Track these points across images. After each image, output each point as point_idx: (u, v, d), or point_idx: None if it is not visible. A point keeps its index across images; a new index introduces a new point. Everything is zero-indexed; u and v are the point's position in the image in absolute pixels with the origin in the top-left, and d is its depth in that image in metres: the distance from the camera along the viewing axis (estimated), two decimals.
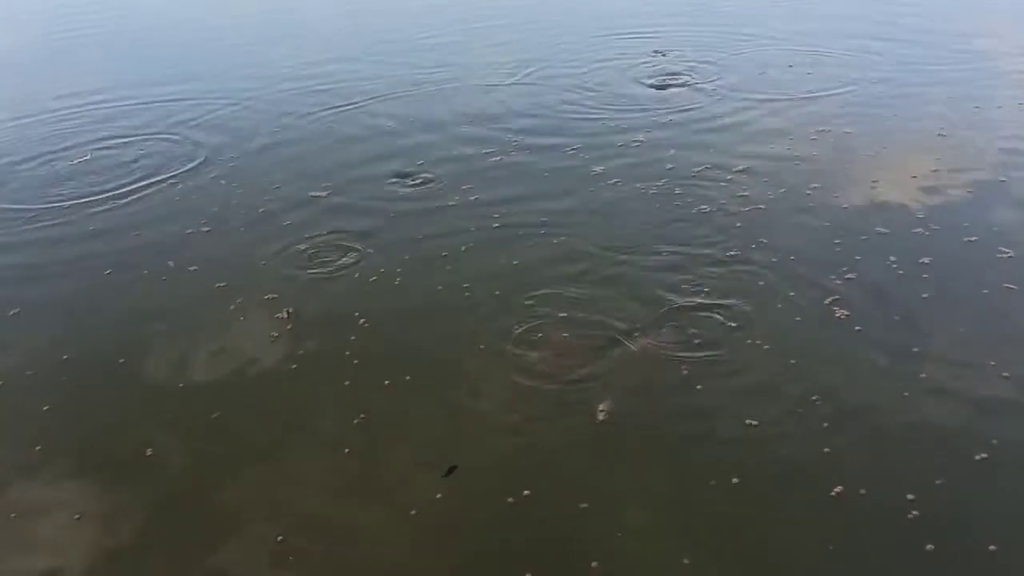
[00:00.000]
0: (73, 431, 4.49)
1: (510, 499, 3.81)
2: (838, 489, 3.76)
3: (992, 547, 3.47)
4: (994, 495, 3.74)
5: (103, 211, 6.81)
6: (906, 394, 4.31)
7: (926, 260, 5.39)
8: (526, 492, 3.84)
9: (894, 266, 5.35)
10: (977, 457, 3.89)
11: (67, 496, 4.05)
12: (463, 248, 5.89)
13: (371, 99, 9.07)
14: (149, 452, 4.26)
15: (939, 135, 7.31)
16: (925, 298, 5.02)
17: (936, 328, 4.77)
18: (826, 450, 3.99)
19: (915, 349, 4.60)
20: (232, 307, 5.37)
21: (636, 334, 4.82)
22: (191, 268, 5.88)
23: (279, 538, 3.72)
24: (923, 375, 4.42)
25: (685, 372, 4.53)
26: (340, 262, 5.82)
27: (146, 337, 5.16)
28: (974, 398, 4.24)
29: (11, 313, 5.51)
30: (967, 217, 5.91)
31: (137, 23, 14.24)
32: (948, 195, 6.24)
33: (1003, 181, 6.44)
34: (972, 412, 4.16)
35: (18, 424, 4.58)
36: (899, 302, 4.99)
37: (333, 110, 8.85)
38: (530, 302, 5.17)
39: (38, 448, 4.35)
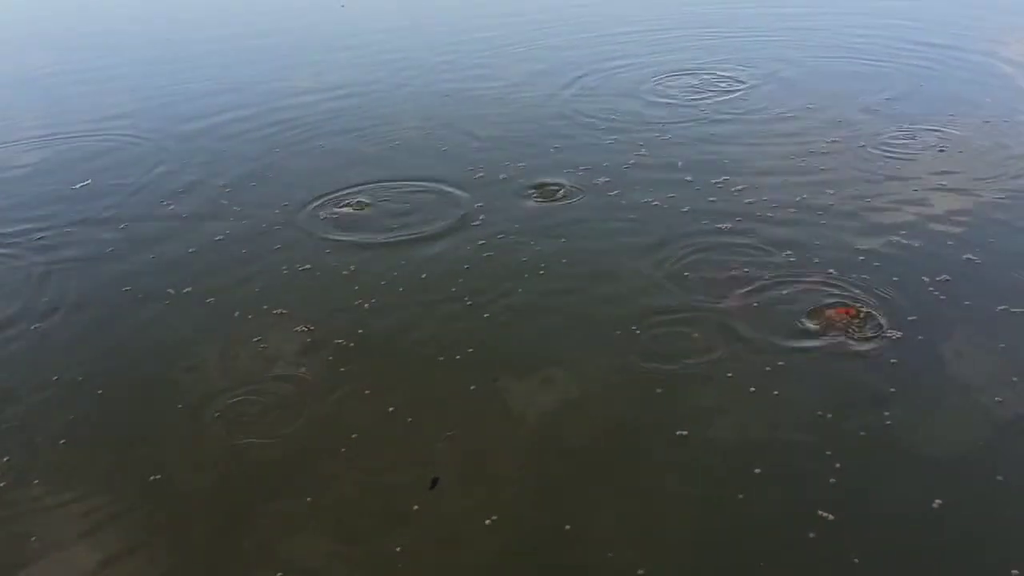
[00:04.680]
0: None
1: None
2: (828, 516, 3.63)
3: (1015, 571, 3.31)
4: (1009, 517, 3.60)
5: None
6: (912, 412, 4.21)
7: (944, 277, 5.27)
8: None
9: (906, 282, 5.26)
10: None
11: (83, 526, 3.98)
12: None
13: None
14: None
15: (940, 149, 7.23)
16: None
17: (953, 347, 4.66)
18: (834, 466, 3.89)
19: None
20: None
21: None
22: None
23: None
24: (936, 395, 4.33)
25: None
26: None
27: None
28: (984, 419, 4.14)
29: None
30: (972, 237, 5.79)
31: None
32: (950, 211, 6.15)
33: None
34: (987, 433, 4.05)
35: None
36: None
37: None
38: None
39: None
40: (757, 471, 3.92)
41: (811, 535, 3.55)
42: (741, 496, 3.79)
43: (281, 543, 3.78)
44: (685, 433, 4.19)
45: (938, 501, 3.66)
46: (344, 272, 5.94)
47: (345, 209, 6.86)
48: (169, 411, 4.67)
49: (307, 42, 13.28)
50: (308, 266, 6.04)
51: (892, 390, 4.35)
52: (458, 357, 4.89)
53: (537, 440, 4.26)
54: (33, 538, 3.91)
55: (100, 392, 4.90)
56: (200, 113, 9.66)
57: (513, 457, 4.16)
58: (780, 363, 4.61)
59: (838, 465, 3.91)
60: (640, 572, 3.45)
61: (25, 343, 5.44)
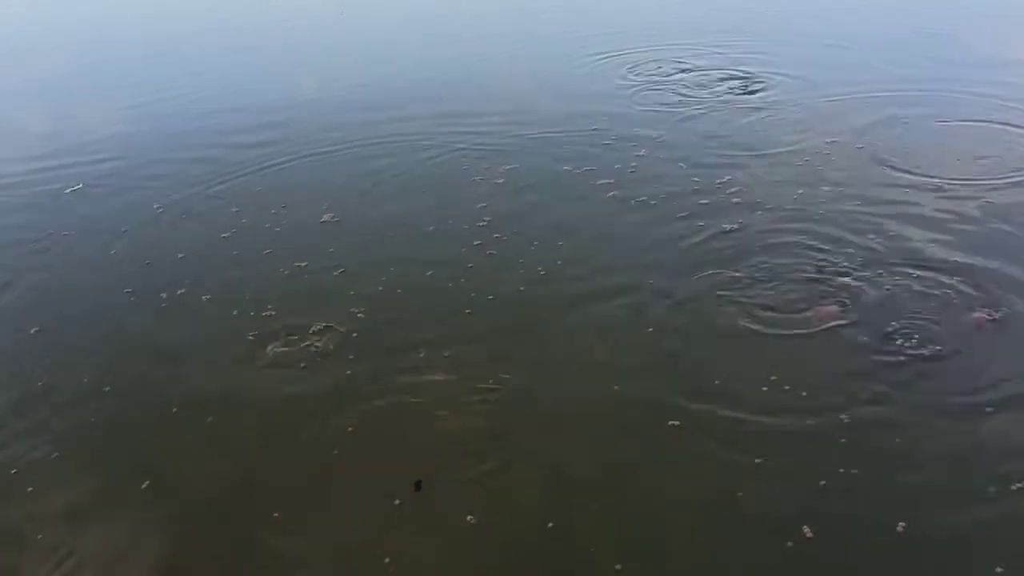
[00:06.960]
0: None
1: None
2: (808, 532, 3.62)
3: (1000, 569, 3.35)
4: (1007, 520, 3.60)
5: None
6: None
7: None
8: None
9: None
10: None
11: (83, 523, 4.09)
12: None
13: None
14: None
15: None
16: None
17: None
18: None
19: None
20: None
21: None
22: None
23: None
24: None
25: None
26: None
27: None
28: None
29: None
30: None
31: None
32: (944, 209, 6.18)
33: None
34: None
35: None
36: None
37: None
38: None
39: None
40: (758, 460, 3.98)
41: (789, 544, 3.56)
42: (740, 494, 3.83)
43: (274, 540, 3.87)
44: (677, 423, 4.27)
45: (930, 502, 3.70)
46: None
47: None
48: (164, 411, 4.84)
49: None
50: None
51: (885, 388, 4.39)
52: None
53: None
54: (40, 536, 4.04)
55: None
56: None
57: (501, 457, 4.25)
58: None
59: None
60: (617, 567, 3.51)
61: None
